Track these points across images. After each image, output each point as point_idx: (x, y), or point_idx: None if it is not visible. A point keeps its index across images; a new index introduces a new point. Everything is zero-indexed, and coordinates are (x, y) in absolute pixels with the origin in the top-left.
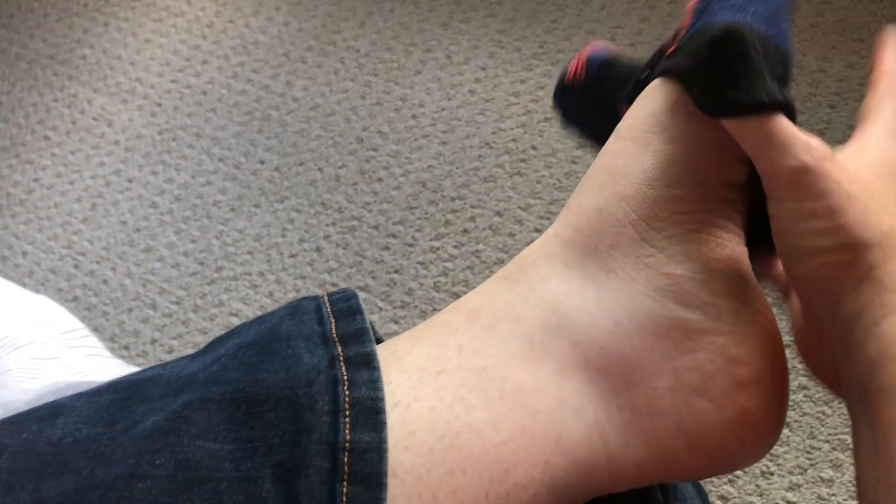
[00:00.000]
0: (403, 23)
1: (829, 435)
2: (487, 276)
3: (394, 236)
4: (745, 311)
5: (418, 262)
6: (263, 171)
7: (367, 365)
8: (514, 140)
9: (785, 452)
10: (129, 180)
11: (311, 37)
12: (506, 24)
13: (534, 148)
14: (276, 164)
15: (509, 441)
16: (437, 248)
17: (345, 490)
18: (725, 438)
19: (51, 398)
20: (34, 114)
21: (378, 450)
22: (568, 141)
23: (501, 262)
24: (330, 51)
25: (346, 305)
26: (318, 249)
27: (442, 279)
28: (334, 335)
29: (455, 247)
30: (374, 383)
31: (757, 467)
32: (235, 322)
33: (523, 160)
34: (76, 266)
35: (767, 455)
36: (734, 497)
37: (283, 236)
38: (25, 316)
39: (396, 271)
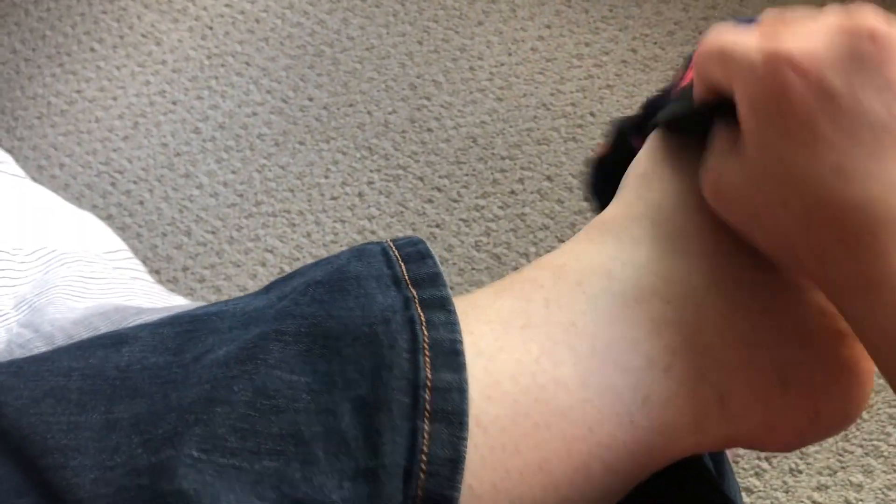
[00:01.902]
0: None
1: (864, 440)
2: (531, 241)
3: (438, 190)
4: None
5: (461, 219)
6: (311, 108)
7: (442, 308)
8: (573, 104)
9: (816, 452)
10: (174, 102)
11: None
12: None
13: (592, 114)
14: (325, 103)
15: (596, 398)
16: (482, 207)
17: (426, 427)
18: (830, 391)
19: (97, 320)
20: (81, 24)
21: (459, 390)
22: (628, 111)
23: (546, 229)
24: None
25: (415, 250)
26: (360, 195)
27: (483, 239)
28: (406, 278)
29: (500, 207)
30: (452, 326)
31: (786, 463)
32: (270, 258)
33: (580, 126)
34: (113, 184)
35: (798, 452)
36: (759, 490)
37: (326, 177)
38: (72, 232)
39: (437, 226)
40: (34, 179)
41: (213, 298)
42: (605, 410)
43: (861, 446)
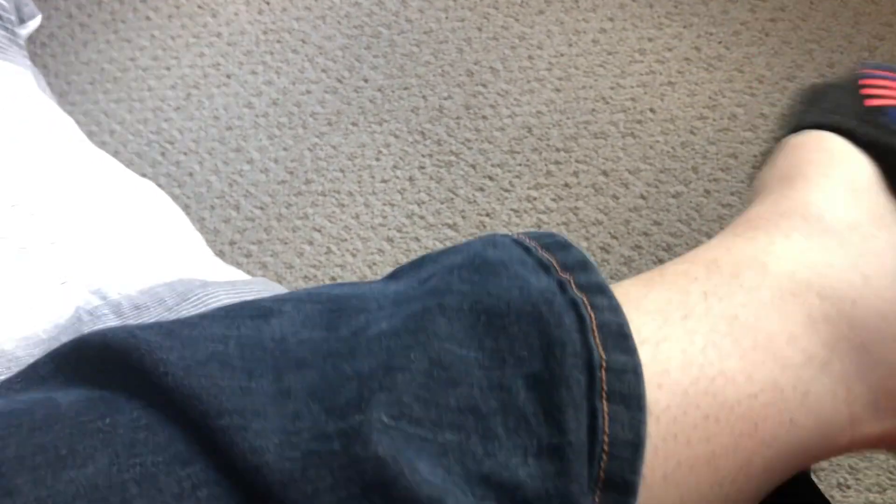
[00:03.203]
0: None
1: None
2: (583, 236)
3: (491, 178)
4: None
5: (512, 209)
6: (366, 89)
7: (601, 292)
8: (633, 99)
9: (866, 468)
10: (228, 76)
11: None
12: None
13: (652, 111)
14: (380, 85)
15: (761, 394)
16: (535, 199)
17: (605, 408)
18: None
19: (162, 290)
20: None
21: (635, 372)
22: (689, 109)
23: (599, 224)
24: None
25: (553, 241)
26: (411, 179)
27: (534, 231)
28: (555, 264)
29: (553, 199)
30: (616, 310)
31: (834, 478)
32: (318, 237)
33: (639, 121)
34: (163, 154)
35: (847, 467)
36: None
37: (378, 160)
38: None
39: (488, 215)
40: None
41: (260, 274)
42: (769, 407)
43: None
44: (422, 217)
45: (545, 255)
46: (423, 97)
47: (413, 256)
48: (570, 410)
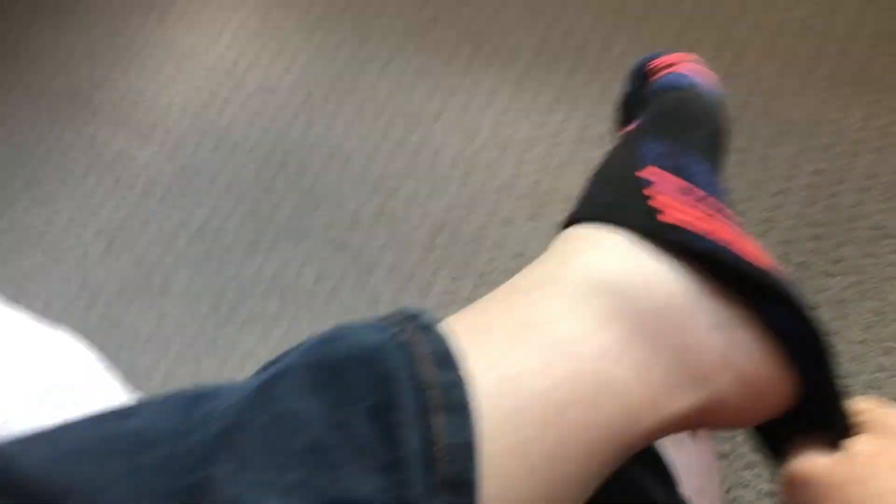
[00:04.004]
0: (424, 68)
1: None
2: None
3: (412, 278)
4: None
5: (435, 304)
6: (281, 211)
7: (430, 329)
8: (534, 184)
9: None
10: (146, 219)
11: (331, 81)
12: (526, 70)
13: (552, 192)
14: (294, 205)
15: (561, 384)
16: (454, 291)
17: (437, 421)
18: (772, 368)
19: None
20: (55, 150)
21: (460, 383)
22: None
23: None
24: (350, 95)
25: (398, 309)
26: (334, 290)
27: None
28: (391, 323)
29: (472, 289)
30: (440, 339)
31: None
32: (249, 364)
33: (542, 203)
34: (91, 303)
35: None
36: None
37: (300, 277)
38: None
39: None
40: (11, 303)
41: None
42: (570, 395)
43: None
44: None
45: (385, 322)
46: (337, 211)
47: None
48: (404, 429)
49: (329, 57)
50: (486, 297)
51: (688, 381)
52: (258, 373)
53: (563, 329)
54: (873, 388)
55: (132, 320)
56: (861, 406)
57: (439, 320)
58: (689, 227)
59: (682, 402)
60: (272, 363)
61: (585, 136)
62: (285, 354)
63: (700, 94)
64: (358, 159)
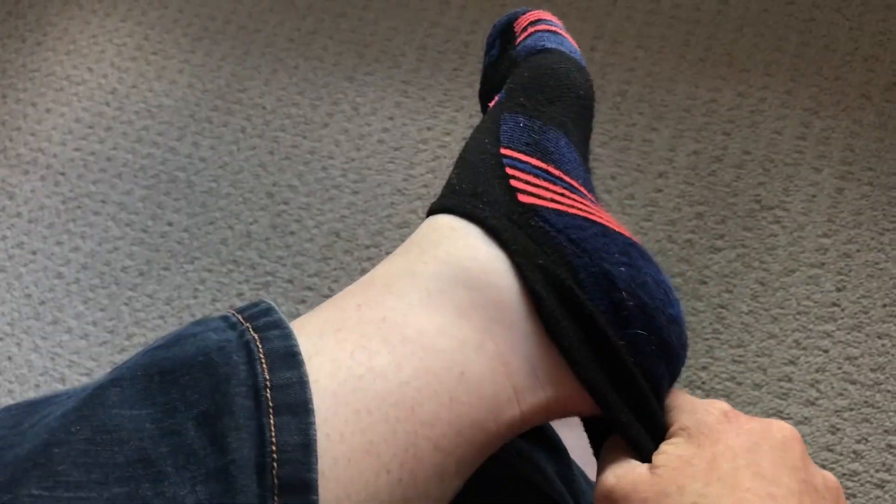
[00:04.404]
0: (308, 78)
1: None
2: None
3: (310, 289)
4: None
5: None
6: (172, 232)
7: (276, 327)
8: (426, 185)
9: None
10: (34, 252)
11: (216, 97)
12: (410, 74)
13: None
14: (185, 225)
15: (413, 380)
16: None
17: (272, 421)
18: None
19: None
20: None
21: (300, 382)
22: None
23: None
24: (236, 109)
25: (251, 304)
26: (232, 308)
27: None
28: (241, 320)
29: None
30: (286, 336)
31: None
32: None
33: None
34: None
35: None
36: None
37: (195, 297)
38: None
39: None
40: None
41: None
42: (423, 391)
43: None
44: None
45: (237, 316)
46: (230, 227)
47: None
48: (233, 433)
49: (212, 74)
50: (343, 292)
51: (548, 370)
52: (112, 370)
53: (419, 323)
54: (764, 355)
55: (24, 356)
56: (676, 402)
57: (283, 320)
58: (547, 206)
59: (545, 391)
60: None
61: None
62: (132, 356)
63: (563, 57)
64: (247, 174)
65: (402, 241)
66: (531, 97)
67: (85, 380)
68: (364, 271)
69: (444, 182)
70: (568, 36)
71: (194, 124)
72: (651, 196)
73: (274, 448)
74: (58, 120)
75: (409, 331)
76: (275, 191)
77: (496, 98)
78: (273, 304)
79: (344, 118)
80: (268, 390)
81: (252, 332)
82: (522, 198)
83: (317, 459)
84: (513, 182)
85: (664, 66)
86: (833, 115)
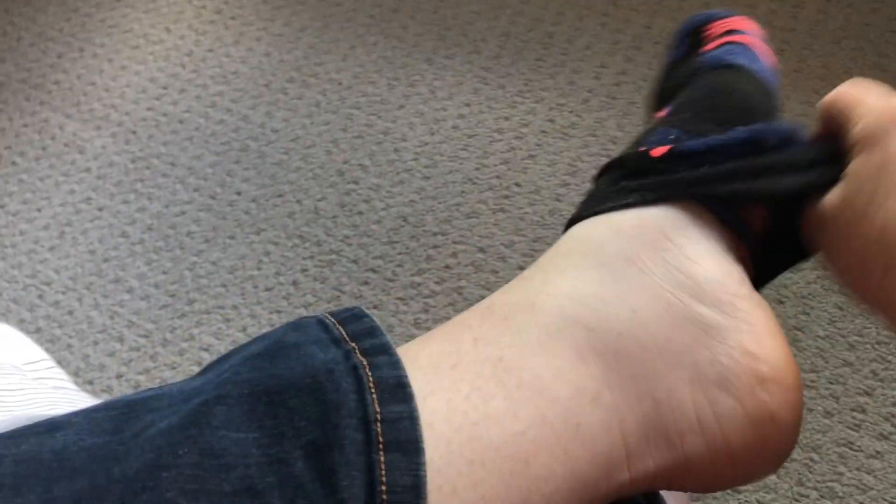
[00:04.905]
0: (387, 56)
1: (818, 482)
2: None
3: (373, 271)
4: (759, 311)
5: (398, 298)
6: (240, 202)
7: (384, 352)
8: (498, 176)
9: (773, 500)
10: (100, 209)
11: (292, 68)
12: (490, 60)
13: (517, 185)
14: (253, 196)
15: (528, 430)
16: (418, 284)
17: (382, 459)
18: (747, 436)
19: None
20: (3, 138)
21: (410, 418)
22: (552, 178)
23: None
24: (311, 83)
25: (350, 314)
26: (295, 283)
27: (422, 316)
28: (345, 336)
29: (436, 283)
30: (395, 365)
31: None
32: (206, 357)
33: (506, 196)
34: (40, 296)
35: (755, 500)
36: None
37: (259, 269)
38: None
39: (376, 307)
40: None
41: None
42: (539, 442)
43: (816, 489)
44: None
45: (339, 329)
46: (298, 202)
47: None
48: (344, 469)
49: (289, 44)
50: (459, 319)
51: (660, 438)
52: (204, 371)
53: (536, 366)
54: (837, 383)
55: (84, 311)
56: (854, 110)
57: (390, 343)
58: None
59: (653, 460)
60: (218, 362)
61: (550, 128)
62: (228, 357)
63: (748, 78)
64: (319, 149)
65: (470, 231)
66: (698, 115)
67: (144, 341)
68: (429, 258)
69: (517, 174)
70: (767, 51)
71: (269, 94)
72: None
73: (384, 489)
74: (132, 78)
75: (526, 374)
76: (345, 169)
77: (665, 110)
78: (373, 317)
79: (420, 100)
80: (377, 424)
81: (359, 356)
82: (654, 152)
83: (426, 501)
84: (645, 149)
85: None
86: None
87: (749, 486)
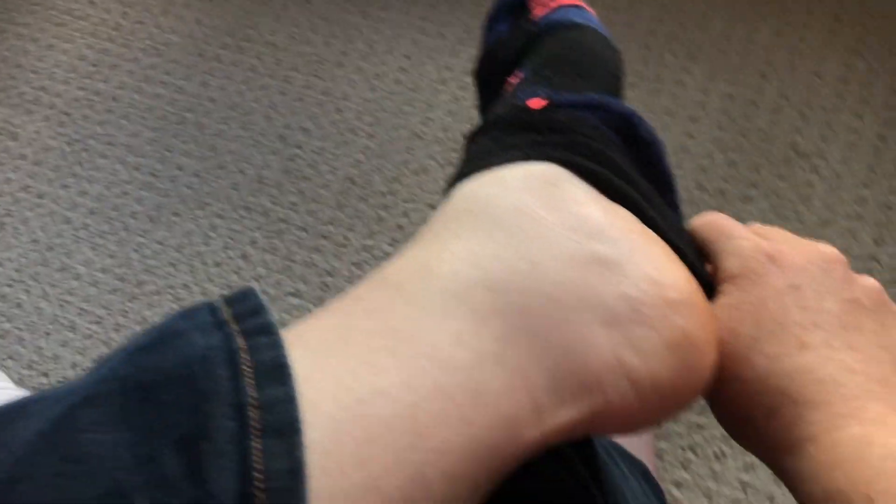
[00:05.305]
0: (321, 13)
1: None
2: None
3: (324, 237)
4: (653, 242)
5: (352, 263)
6: (182, 177)
7: (264, 332)
8: (444, 129)
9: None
10: (40, 196)
11: (225, 34)
12: (428, 9)
13: (465, 136)
14: (195, 170)
15: (422, 402)
16: (371, 247)
17: (258, 445)
18: (669, 363)
19: None
20: None
21: (288, 399)
22: None
23: None
24: (246, 47)
25: (239, 294)
26: (245, 256)
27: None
28: (229, 318)
29: (389, 244)
30: (275, 345)
31: (710, 450)
32: None
33: (455, 150)
34: None
35: (721, 436)
36: (688, 481)
37: (207, 245)
38: None
39: (329, 274)
40: None
41: None
42: (434, 413)
43: None
44: (263, 292)
45: (225, 311)
46: (241, 172)
47: None
48: (213, 460)
49: (220, 9)
50: (352, 292)
51: (574, 387)
52: (93, 369)
53: (433, 333)
54: None
55: (33, 303)
56: (723, 246)
57: (272, 322)
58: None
59: (567, 412)
60: (107, 357)
61: None
62: (117, 351)
63: (593, 33)
64: (258, 116)
65: (420, 188)
66: (559, 71)
67: (96, 328)
68: (380, 220)
69: (464, 125)
70: (592, 11)
71: (203, 63)
72: (682, 142)
73: (259, 476)
74: (60, 57)
75: (421, 344)
76: (287, 134)
77: (519, 75)
78: (261, 296)
79: (359, 56)
80: (253, 409)
81: (239, 339)
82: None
83: (306, 486)
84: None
85: (698, 0)
86: (878, 55)
87: (731, 464)
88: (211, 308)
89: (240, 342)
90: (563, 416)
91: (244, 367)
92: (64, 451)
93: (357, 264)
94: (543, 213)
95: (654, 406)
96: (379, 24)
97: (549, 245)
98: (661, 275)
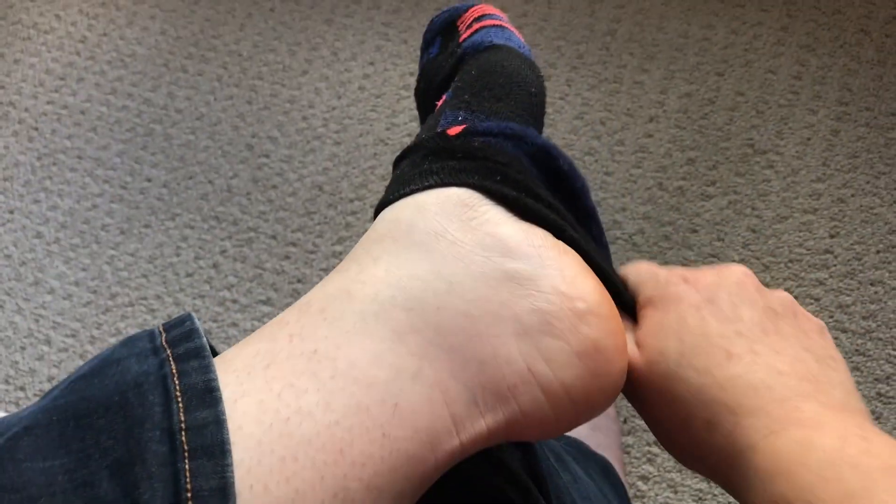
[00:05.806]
0: (285, 22)
1: None
2: None
3: (293, 244)
4: (566, 256)
5: (321, 270)
6: (151, 188)
7: (196, 356)
8: (409, 134)
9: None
10: (10, 211)
11: (189, 44)
12: (390, 15)
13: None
14: (164, 181)
15: (342, 419)
16: (340, 253)
17: (188, 466)
18: (579, 371)
19: None
20: None
21: (216, 422)
22: None
23: None
24: (211, 57)
25: (177, 319)
26: (216, 266)
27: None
28: (164, 343)
29: None
30: (205, 369)
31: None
32: None
33: None
34: None
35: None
36: (654, 475)
37: (178, 255)
38: None
39: (299, 281)
40: None
41: None
42: (354, 429)
43: None
44: (234, 301)
45: (161, 337)
46: (210, 182)
47: (234, 343)
48: (146, 482)
49: (184, 19)
50: (278, 318)
51: (490, 398)
52: (38, 401)
53: (352, 353)
54: None
55: (7, 318)
56: (640, 276)
57: (204, 346)
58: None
59: (484, 421)
60: (55, 386)
61: None
62: (64, 380)
63: (511, 54)
64: (226, 125)
65: None
66: (477, 94)
67: (71, 341)
68: (349, 226)
69: None
70: (515, 30)
71: (169, 74)
72: (641, 142)
73: (189, 496)
74: (27, 71)
75: (340, 363)
76: (254, 143)
77: (443, 98)
78: (197, 321)
79: (323, 64)
80: (183, 433)
81: (171, 364)
82: (451, 131)
83: (235, 503)
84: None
85: (655, 1)
86: (830, 52)
87: None
88: (150, 335)
89: (172, 367)
90: (480, 425)
91: (175, 393)
92: (4, 481)
93: (326, 270)
94: (459, 235)
95: (567, 412)
96: (342, 31)
97: (464, 265)
98: (570, 287)
